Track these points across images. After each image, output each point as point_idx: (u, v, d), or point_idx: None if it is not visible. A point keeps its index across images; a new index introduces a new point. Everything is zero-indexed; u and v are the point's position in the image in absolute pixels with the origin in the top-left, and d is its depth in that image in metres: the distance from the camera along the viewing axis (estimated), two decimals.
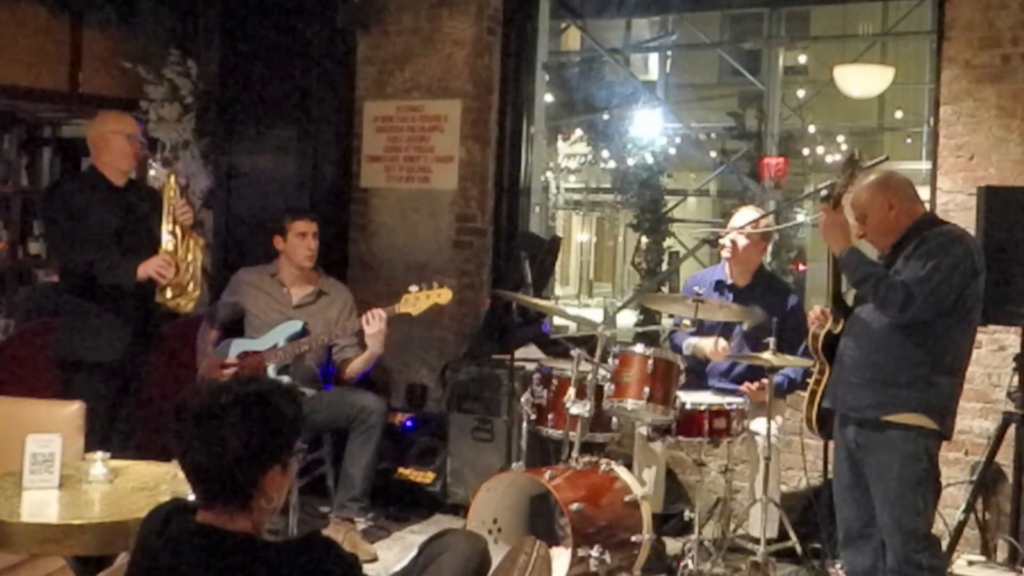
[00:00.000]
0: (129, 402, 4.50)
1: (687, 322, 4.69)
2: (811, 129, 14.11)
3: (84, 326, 4.39)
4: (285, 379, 4.79)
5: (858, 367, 3.60)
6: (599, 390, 4.39)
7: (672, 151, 13.59)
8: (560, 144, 12.43)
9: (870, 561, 3.68)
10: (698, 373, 4.85)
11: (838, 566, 4.33)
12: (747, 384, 4.65)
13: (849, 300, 3.83)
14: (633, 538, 4.15)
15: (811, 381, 3.91)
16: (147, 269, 4.32)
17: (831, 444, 4.04)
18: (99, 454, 3.31)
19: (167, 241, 4.40)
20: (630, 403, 4.34)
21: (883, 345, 3.55)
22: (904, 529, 3.53)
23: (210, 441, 1.94)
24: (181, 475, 2.06)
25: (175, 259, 4.37)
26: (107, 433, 4.26)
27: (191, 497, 2.08)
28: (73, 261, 4.38)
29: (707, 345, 4.78)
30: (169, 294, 4.41)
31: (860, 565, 3.73)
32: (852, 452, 3.68)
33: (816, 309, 3.95)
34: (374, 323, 4.76)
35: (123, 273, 4.33)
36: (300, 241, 5.00)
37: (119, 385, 4.45)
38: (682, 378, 4.45)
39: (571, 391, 4.34)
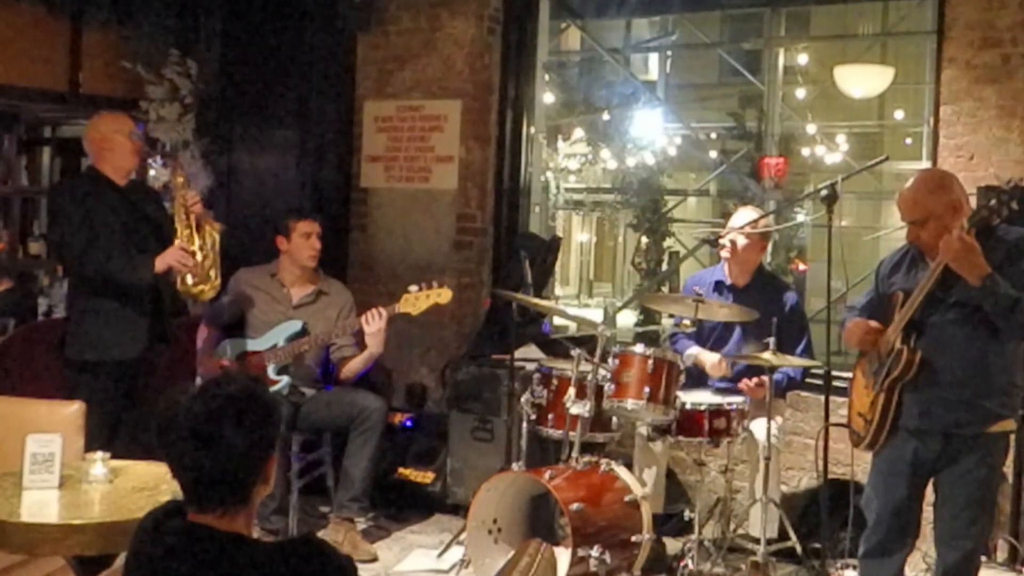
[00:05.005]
0: (137, 401, 4.49)
1: (687, 322, 4.69)
2: (811, 129, 14.09)
3: (100, 324, 4.36)
4: (285, 379, 4.80)
5: (953, 384, 3.47)
6: (599, 390, 4.39)
7: (672, 151, 13.59)
8: (560, 144, 12.43)
9: (895, 570, 3.63)
10: (697, 374, 4.84)
11: (838, 565, 4.33)
12: (744, 381, 4.63)
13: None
14: (633, 538, 4.15)
15: (866, 404, 3.61)
16: (166, 260, 4.32)
17: (831, 445, 4.02)
18: (99, 454, 3.30)
19: (182, 230, 4.40)
20: (630, 403, 4.35)
21: (973, 358, 3.47)
22: (976, 533, 3.51)
23: (213, 447, 1.93)
24: None
25: (192, 247, 4.36)
26: (113, 433, 4.25)
27: None
28: (88, 262, 4.32)
29: (708, 360, 4.77)
30: (191, 280, 4.39)
31: (886, 574, 3.66)
32: (920, 465, 3.55)
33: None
34: (374, 322, 4.76)
35: (140, 268, 4.32)
36: (304, 241, 5.00)
37: (128, 384, 4.43)
38: (682, 378, 4.46)
39: (571, 391, 4.34)
